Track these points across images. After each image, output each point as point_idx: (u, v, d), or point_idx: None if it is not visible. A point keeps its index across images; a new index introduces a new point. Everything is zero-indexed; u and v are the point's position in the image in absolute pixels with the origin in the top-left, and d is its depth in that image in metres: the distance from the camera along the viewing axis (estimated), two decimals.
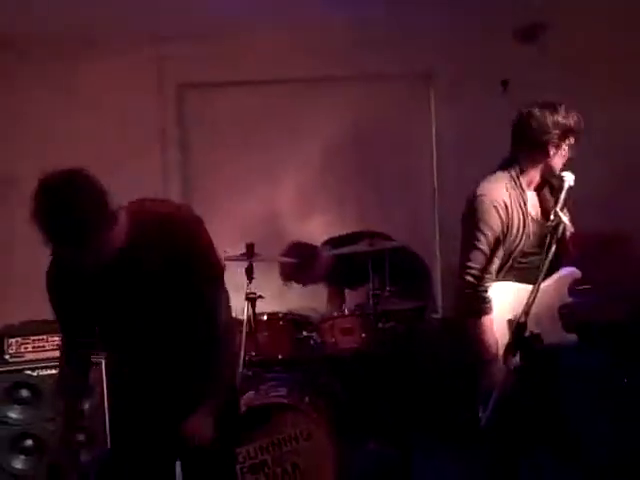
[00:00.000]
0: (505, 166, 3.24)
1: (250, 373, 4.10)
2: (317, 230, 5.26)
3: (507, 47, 5.36)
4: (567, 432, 3.32)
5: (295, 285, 4.86)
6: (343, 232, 5.00)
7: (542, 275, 2.89)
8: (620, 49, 5.25)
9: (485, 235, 3.08)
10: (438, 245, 5.61)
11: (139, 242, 2.43)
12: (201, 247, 2.54)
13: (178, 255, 2.47)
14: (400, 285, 4.50)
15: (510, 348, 2.89)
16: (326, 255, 4.80)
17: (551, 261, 2.91)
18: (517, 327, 2.87)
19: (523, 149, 3.22)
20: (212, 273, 2.59)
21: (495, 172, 3.23)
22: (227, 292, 2.67)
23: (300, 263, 4.66)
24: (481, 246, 3.08)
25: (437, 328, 5.21)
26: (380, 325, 4.28)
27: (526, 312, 2.85)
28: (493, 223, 3.08)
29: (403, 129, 5.63)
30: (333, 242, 4.93)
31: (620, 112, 5.12)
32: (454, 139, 5.45)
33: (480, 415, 3.11)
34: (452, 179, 5.45)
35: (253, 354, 4.14)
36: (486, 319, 3.07)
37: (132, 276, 2.47)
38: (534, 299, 2.85)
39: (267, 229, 5.36)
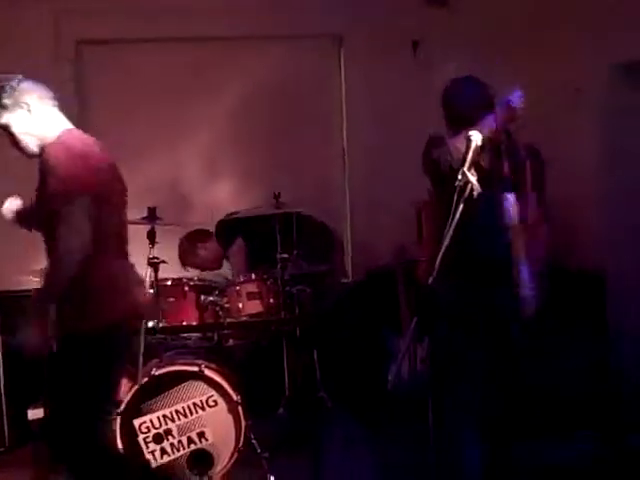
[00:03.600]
0: None
1: (154, 340, 3.99)
2: (223, 195, 5.14)
3: (417, 9, 5.32)
4: None
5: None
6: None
7: (449, 234, 2.86)
8: (531, 10, 5.24)
9: None
10: (348, 208, 5.57)
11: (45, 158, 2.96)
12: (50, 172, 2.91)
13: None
14: (305, 249, 4.45)
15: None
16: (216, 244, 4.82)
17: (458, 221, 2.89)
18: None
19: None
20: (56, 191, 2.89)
21: None
22: (76, 216, 2.87)
23: (197, 251, 4.69)
24: None
25: (346, 292, 5.20)
26: (287, 289, 4.21)
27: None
28: None
29: (314, 90, 5.54)
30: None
31: (532, 74, 5.13)
32: (364, 100, 5.39)
33: (389, 378, 3.12)
34: (362, 140, 5.42)
35: (157, 321, 4.00)
36: None
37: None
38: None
39: (170, 192, 5.17)
